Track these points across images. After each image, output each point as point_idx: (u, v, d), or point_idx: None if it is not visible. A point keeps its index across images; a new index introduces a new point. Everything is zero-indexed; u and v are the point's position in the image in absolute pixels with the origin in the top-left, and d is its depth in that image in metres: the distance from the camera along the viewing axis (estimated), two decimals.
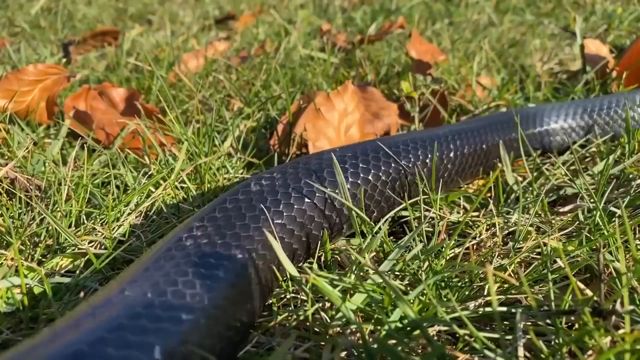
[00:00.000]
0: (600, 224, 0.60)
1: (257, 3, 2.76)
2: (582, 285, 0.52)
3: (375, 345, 0.41)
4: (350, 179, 0.59)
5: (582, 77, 1.23)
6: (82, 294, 0.53)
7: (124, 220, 0.65)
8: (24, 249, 0.59)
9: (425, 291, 0.48)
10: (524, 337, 0.42)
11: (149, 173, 0.78)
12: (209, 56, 1.43)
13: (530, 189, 0.75)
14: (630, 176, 0.76)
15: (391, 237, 0.67)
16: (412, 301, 0.47)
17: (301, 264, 0.57)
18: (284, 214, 0.51)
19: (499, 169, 0.62)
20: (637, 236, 0.61)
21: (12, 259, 0.57)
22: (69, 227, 0.64)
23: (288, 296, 0.52)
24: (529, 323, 0.47)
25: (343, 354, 0.44)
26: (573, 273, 0.50)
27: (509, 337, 0.44)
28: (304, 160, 0.59)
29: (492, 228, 0.65)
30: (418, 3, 2.33)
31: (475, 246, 0.63)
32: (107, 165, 0.82)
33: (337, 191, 0.58)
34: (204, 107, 1.11)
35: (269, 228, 0.49)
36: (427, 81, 1.16)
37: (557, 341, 0.42)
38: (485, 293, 0.52)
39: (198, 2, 3.05)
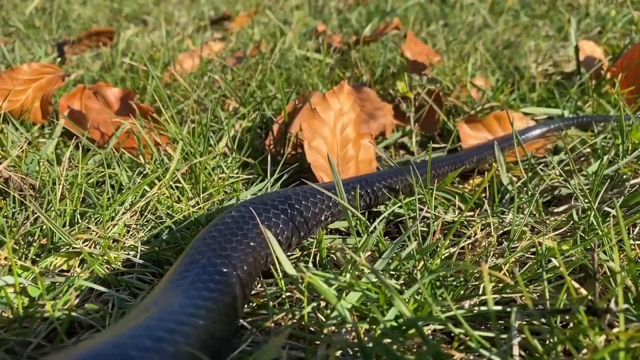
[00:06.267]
0: (595, 223, 0.60)
1: (253, 4, 2.76)
2: (576, 285, 0.53)
3: (371, 344, 0.41)
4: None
5: (576, 78, 1.23)
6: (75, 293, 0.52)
7: (118, 220, 0.65)
8: (17, 248, 0.59)
9: (420, 290, 0.48)
10: (518, 336, 0.42)
11: (144, 172, 0.78)
12: (204, 56, 1.43)
13: (525, 189, 0.75)
14: (624, 177, 0.76)
15: (386, 237, 0.67)
16: (407, 300, 0.47)
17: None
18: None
19: (494, 168, 0.62)
20: (631, 236, 0.61)
21: (5, 258, 0.56)
22: (63, 226, 0.64)
23: (284, 295, 0.52)
24: (524, 322, 0.47)
25: (338, 352, 0.44)
26: (568, 272, 0.50)
27: (504, 335, 0.44)
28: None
29: (487, 228, 0.65)
30: (413, 4, 2.34)
31: (470, 245, 0.63)
32: (101, 164, 0.82)
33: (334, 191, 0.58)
34: (199, 107, 1.10)
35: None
36: (422, 81, 1.16)
37: (552, 340, 0.42)
38: (481, 292, 0.52)
39: (193, 2, 3.05)
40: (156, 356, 0.33)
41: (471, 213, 0.70)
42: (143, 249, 0.61)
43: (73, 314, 0.49)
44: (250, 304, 0.53)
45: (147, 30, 2.29)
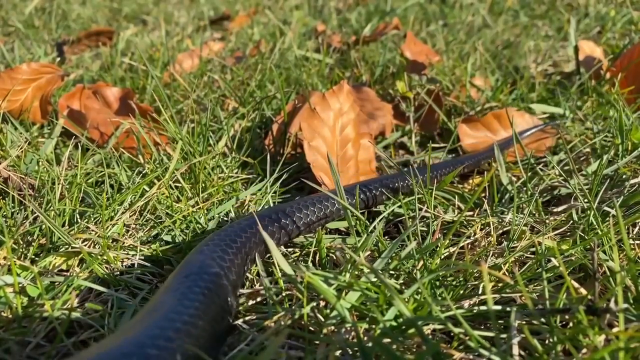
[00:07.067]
0: (594, 223, 0.60)
1: (252, 4, 2.76)
2: (576, 284, 0.53)
3: (370, 344, 0.41)
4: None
5: (576, 78, 1.23)
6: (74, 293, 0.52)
7: (117, 219, 0.65)
8: (17, 247, 0.59)
9: (420, 290, 0.48)
10: (518, 336, 0.42)
11: (143, 172, 0.78)
12: (203, 56, 1.42)
13: (525, 188, 0.75)
14: (624, 176, 0.76)
15: (385, 237, 0.67)
16: (407, 300, 0.47)
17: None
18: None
19: (493, 168, 0.62)
20: (630, 235, 0.61)
21: (5, 258, 0.56)
22: (63, 226, 0.64)
23: (283, 294, 0.52)
24: (524, 322, 0.47)
25: (337, 352, 0.44)
26: (567, 272, 0.50)
27: (504, 335, 0.44)
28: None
29: (487, 227, 0.65)
30: (413, 4, 2.33)
31: (469, 245, 0.63)
32: (101, 164, 0.82)
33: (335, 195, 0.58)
34: (198, 107, 1.10)
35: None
36: (422, 81, 1.16)
37: (551, 339, 0.42)
38: (480, 292, 0.52)
39: (193, 2, 3.05)
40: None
41: (471, 213, 0.70)
42: (142, 248, 0.61)
43: (72, 313, 0.49)
44: (250, 302, 0.53)
45: (146, 30, 2.29)
